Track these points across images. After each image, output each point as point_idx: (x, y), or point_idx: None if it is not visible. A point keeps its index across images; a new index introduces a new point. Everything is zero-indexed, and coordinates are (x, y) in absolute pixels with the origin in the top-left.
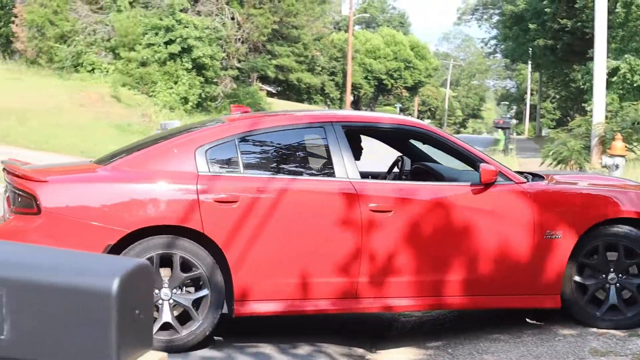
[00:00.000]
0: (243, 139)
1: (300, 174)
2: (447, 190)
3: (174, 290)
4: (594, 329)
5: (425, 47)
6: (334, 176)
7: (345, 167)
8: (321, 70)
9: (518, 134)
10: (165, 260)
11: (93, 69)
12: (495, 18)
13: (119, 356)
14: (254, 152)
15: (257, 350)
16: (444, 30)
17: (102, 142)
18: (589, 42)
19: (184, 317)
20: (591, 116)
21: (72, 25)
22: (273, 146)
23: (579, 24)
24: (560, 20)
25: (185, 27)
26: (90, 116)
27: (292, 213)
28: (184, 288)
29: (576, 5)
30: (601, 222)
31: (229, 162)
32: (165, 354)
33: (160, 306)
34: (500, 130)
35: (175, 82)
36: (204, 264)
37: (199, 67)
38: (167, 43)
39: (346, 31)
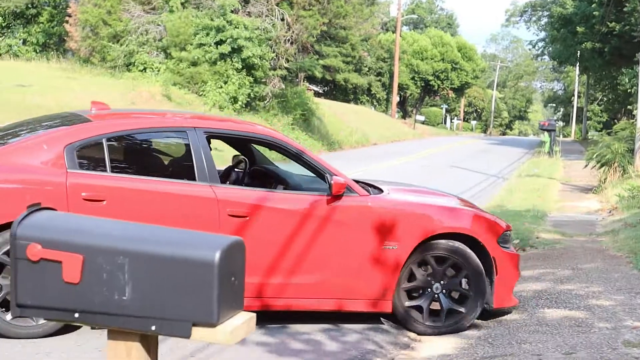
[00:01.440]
0: (111, 139)
1: (165, 176)
2: (302, 199)
3: None
4: (629, 323)
5: (472, 49)
6: (195, 180)
7: (207, 172)
8: (368, 71)
9: (564, 136)
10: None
11: (145, 68)
12: (544, 20)
13: (219, 314)
14: (122, 153)
15: (308, 337)
16: (492, 31)
17: None
18: (637, 46)
19: None
20: (636, 120)
21: (125, 25)
22: (140, 147)
23: (627, 27)
24: (608, 23)
25: (236, 27)
26: None
27: (157, 215)
28: None
29: (625, 9)
30: (433, 236)
31: (96, 161)
32: (253, 314)
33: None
34: (545, 132)
35: (225, 82)
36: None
37: (248, 67)
38: (217, 43)
39: (394, 32)
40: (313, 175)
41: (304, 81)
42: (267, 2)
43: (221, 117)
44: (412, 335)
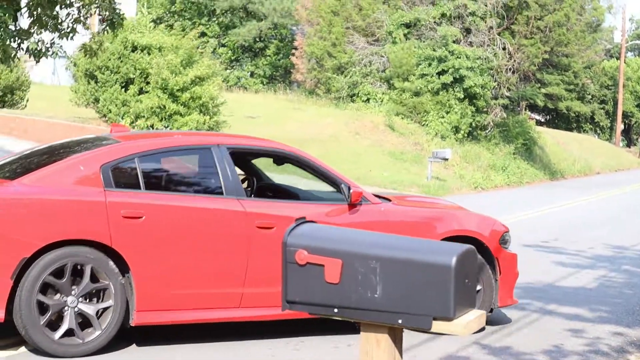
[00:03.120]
0: (142, 158)
1: (194, 191)
2: (325, 208)
3: (80, 299)
4: None
5: None
6: (223, 194)
7: (233, 186)
8: (591, 99)
9: None
10: (75, 270)
11: (368, 99)
12: None
13: (455, 310)
14: (152, 171)
15: (531, 358)
16: None
17: (377, 169)
18: None
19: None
20: None
21: (349, 57)
22: (169, 165)
23: None
24: None
25: (458, 57)
26: (365, 144)
27: (191, 229)
28: (90, 297)
29: None
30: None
31: (130, 179)
32: (484, 312)
33: (65, 313)
34: None
35: (447, 112)
36: (110, 275)
37: (470, 97)
38: (439, 73)
39: (618, 58)
40: (317, 190)
41: (525, 110)
42: (489, 32)
43: (242, 135)
44: (633, 357)
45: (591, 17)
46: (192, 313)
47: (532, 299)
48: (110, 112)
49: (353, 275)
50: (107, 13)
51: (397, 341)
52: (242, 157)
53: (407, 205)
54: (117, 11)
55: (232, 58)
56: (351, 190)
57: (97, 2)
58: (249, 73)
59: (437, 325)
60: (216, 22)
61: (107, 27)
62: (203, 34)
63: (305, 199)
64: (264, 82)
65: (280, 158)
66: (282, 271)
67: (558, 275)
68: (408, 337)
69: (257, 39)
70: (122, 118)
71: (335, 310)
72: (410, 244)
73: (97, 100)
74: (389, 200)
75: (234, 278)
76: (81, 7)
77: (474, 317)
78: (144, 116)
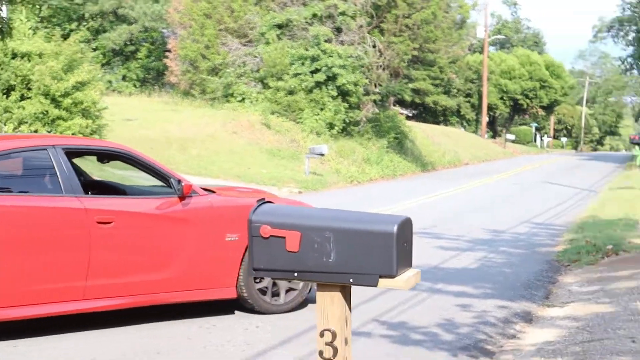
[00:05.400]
0: None
1: (37, 191)
2: (159, 201)
3: None
4: None
5: (560, 66)
6: (62, 193)
7: (71, 185)
8: (457, 93)
9: None
10: None
11: (243, 99)
12: (632, 35)
13: (397, 269)
14: None
15: (426, 330)
16: (580, 48)
17: (255, 167)
18: None
19: None
20: None
21: (223, 58)
22: (6, 167)
23: None
24: None
25: (330, 56)
26: (243, 143)
27: (28, 228)
28: None
29: None
30: None
31: None
32: (419, 270)
33: None
34: (636, 146)
35: (321, 109)
36: None
37: (343, 94)
38: (313, 72)
39: (481, 53)
40: (141, 185)
41: (394, 105)
42: (359, 31)
43: (74, 136)
44: (518, 326)
45: (457, 14)
46: (36, 308)
47: (421, 281)
48: None
49: (310, 245)
50: None
51: (347, 298)
52: (71, 156)
53: (231, 195)
54: (5, 20)
55: (104, 62)
56: (182, 184)
57: None
58: (121, 76)
59: (382, 282)
60: (86, 26)
61: None
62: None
63: (136, 193)
64: (137, 85)
65: (113, 156)
66: (248, 244)
67: (442, 258)
68: (306, 323)
69: (128, 43)
70: (5, 124)
71: (295, 274)
72: (357, 217)
73: None
74: (214, 192)
75: (77, 272)
76: None
77: (412, 274)
78: (27, 122)
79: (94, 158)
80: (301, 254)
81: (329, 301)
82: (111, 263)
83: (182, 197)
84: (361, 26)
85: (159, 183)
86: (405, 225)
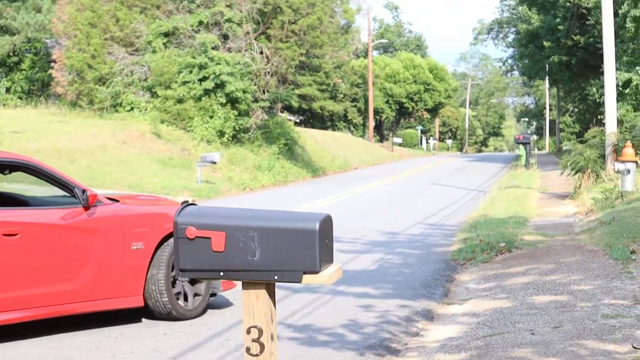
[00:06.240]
0: None
1: None
2: (64, 212)
3: None
4: (606, 301)
5: (443, 69)
6: None
7: None
8: (343, 97)
9: (539, 149)
10: None
11: (132, 108)
12: (511, 37)
13: (320, 265)
14: None
15: (332, 331)
16: (461, 50)
17: (147, 176)
18: (602, 57)
19: None
20: (605, 127)
21: (110, 67)
22: None
23: (592, 39)
24: (573, 37)
25: (218, 64)
26: (133, 152)
27: None
28: None
29: (588, 22)
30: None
31: None
32: (340, 265)
33: None
34: (521, 146)
35: (211, 117)
36: None
37: (232, 101)
38: (201, 80)
39: (365, 57)
40: (43, 196)
41: (282, 112)
42: (246, 37)
43: None
44: (420, 324)
45: (342, 19)
46: None
47: (321, 284)
48: None
49: (235, 244)
50: None
51: (272, 295)
52: (5, 168)
53: (135, 203)
54: None
55: None
56: (87, 193)
57: None
58: (5, 89)
59: (306, 278)
60: None
61: None
62: None
63: (39, 204)
64: (22, 97)
65: (15, 167)
66: (174, 245)
67: (340, 261)
68: (223, 323)
69: (11, 54)
70: None
71: (222, 273)
72: (280, 215)
73: None
74: (117, 200)
75: None
76: None
77: (334, 269)
78: None
79: None
80: (227, 254)
81: (254, 299)
82: (18, 275)
83: (87, 207)
84: (247, 33)
85: (60, 193)
86: (326, 223)
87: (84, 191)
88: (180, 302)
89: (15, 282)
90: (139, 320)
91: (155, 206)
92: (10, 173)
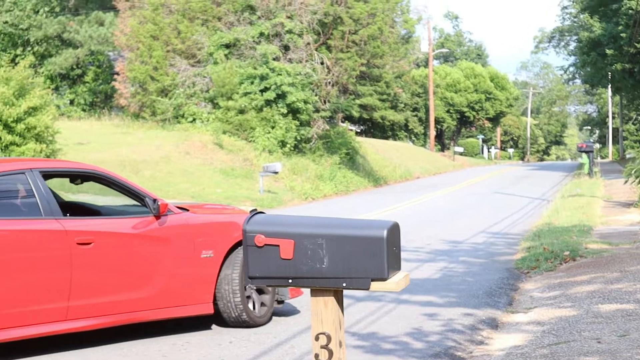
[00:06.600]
0: None
1: (17, 214)
2: (136, 221)
3: None
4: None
5: (504, 78)
6: (42, 215)
7: (50, 207)
8: (404, 107)
9: (602, 157)
10: None
11: (194, 119)
12: (572, 45)
13: (388, 272)
14: None
15: (396, 339)
16: (522, 59)
17: (210, 186)
18: None
19: None
20: None
21: (172, 79)
22: None
23: None
24: (636, 44)
25: (279, 74)
26: (196, 163)
27: (11, 251)
28: None
29: None
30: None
31: None
32: (408, 273)
33: None
34: (584, 154)
35: (273, 127)
36: None
37: (293, 112)
38: (262, 90)
39: (426, 67)
40: (113, 205)
41: (342, 121)
42: (307, 48)
43: (51, 159)
44: (485, 333)
45: (402, 29)
46: (21, 330)
47: (386, 292)
48: None
49: (304, 252)
50: None
51: (340, 302)
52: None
53: (204, 212)
54: None
55: (52, 87)
56: (158, 203)
57: None
58: (69, 101)
59: (374, 285)
60: (31, 51)
61: None
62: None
63: (110, 214)
64: (85, 109)
65: (87, 177)
66: (243, 253)
67: (405, 270)
68: (287, 330)
69: (75, 67)
70: None
71: (290, 281)
72: (348, 223)
73: None
74: (187, 209)
75: (60, 293)
76: None
77: (402, 276)
78: None
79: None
80: (295, 261)
81: (323, 305)
82: (92, 283)
83: (158, 216)
84: (308, 43)
85: (127, 202)
86: (394, 230)
87: (154, 200)
88: (250, 306)
89: (89, 290)
90: (205, 329)
91: (224, 215)
92: (81, 183)
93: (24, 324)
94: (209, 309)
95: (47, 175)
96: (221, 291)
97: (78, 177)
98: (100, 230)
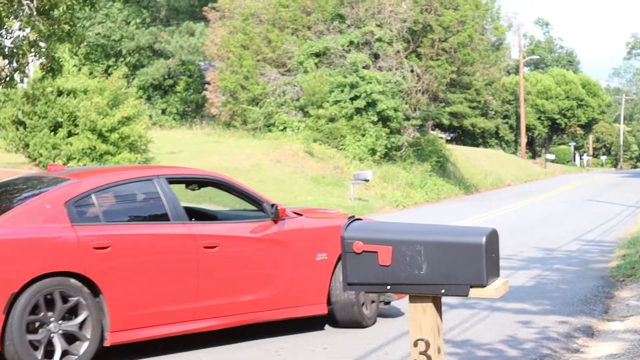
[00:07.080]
0: (98, 192)
1: (148, 220)
2: (256, 225)
3: (60, 321)
4: None
5: (596, 84)
6: (169, 220)
7: (177, 212)
8: (494, 114)
9: None
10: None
11: (285, 128)
12: None
13: (487, 279)
14: (107, 204)
15: (490, 347)
16: (614, 65)
17: (301, 194)
18: None
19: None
20: None
21: (263, 88)
22: (120, 197)
23: None
24: None
25: (369, 82)
26: (287, 171)
27: (146, 254)
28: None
29: None
30: None
31: (91, 213)
32: (507, 280)
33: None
34: None
35: (363, 135)
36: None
37: (383, 120)
38: (352, 99)
39: (516, 74)
40: (227, 209)
41: (432, 129)
42: (396, 56)
43: (175, 167)
44: (580, 341)
45: (492, 36)
46: (154, 329)
47: (479, 299)
48: (42, 155)
49: (402, 258)
50: (46, 60)
51: (438, 308)
52: (200, 184)
53: (318, 217)
54: (56, 59)
55: (144, 97)
56: (277, 207)
57: (32, 51)
58: (161, 110)
59: (473, 292)
60: (124, 62)
61: (47, 74)
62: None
63: (228, 218)
64: (177, 119)
65: (206, 183)
66: (341, 260)
67: None
68: (382, 336)
69: (166, 77)
70: (54, 161)
71: (388, 287)
72: (446, 230)
73: (27, 146)
74: (301, 214)
75: (188, 294)
76: (20, 56)
77: (501, 283)
78: (75, 157)
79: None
80: (393, 268)
81: (421, 312)
82: (217, 285)
83: (276, 220)
84: (398, 51)
85: (248, 207)
86: (492, 237)
87: (273, 205)
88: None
89: (214, 292)
90: (297, 332)
91: (335, 219)
92: (199, 189)
93: (156, 324)
94: (323, 310)
95: (172, 181)
96: (335, 290)
97: (195, 182)
98: (224, 234)
